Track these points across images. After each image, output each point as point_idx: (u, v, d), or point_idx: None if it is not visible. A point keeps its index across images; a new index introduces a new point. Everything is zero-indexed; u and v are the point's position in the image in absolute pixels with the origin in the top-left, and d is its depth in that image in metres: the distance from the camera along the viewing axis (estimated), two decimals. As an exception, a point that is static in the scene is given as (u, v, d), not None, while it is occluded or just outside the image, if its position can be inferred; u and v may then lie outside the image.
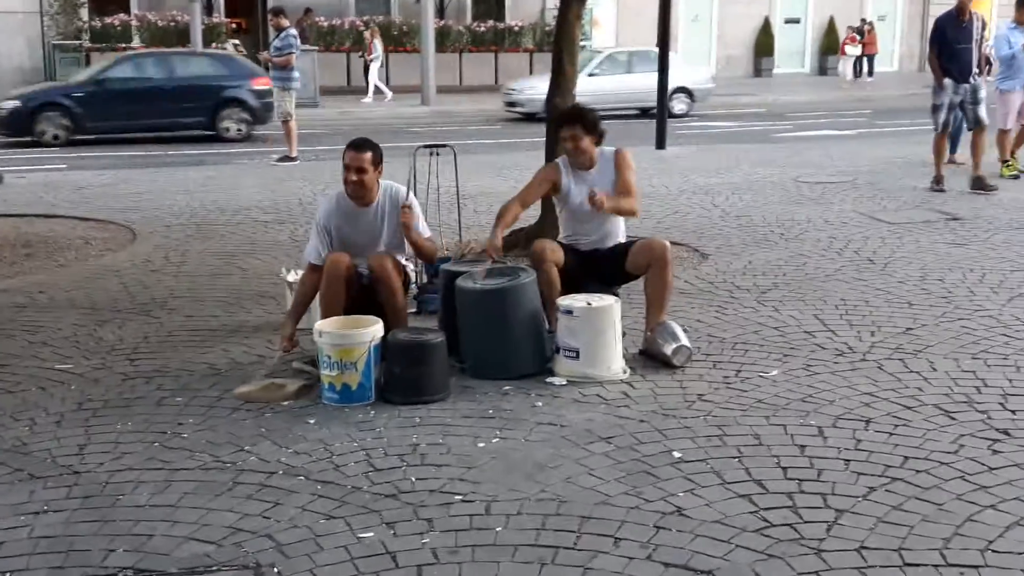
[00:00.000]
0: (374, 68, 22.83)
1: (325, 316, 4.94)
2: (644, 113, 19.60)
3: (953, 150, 11.84)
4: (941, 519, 3.49)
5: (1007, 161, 11.31)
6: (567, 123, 5.48)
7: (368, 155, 5.15)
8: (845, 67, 29.81)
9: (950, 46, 10.23)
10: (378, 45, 22.65)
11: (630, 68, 20.96)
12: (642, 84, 18.84)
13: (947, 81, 10.26)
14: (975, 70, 10.26)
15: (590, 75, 19.37)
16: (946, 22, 10.38)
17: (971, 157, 10.62)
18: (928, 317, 5.91)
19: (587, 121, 5.46)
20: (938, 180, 10.50)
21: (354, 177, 5.13)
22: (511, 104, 20.62)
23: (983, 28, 10.38)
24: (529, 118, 19.23)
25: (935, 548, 3.30)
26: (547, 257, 5.24)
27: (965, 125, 10.72)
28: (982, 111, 10.39)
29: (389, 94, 23.57)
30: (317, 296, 5.16)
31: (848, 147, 14.70)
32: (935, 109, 10.45)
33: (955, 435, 4.21)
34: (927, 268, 7.11)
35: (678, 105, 20.18)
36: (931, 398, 4.63)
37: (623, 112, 19.68)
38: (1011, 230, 8.41)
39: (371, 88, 23.48)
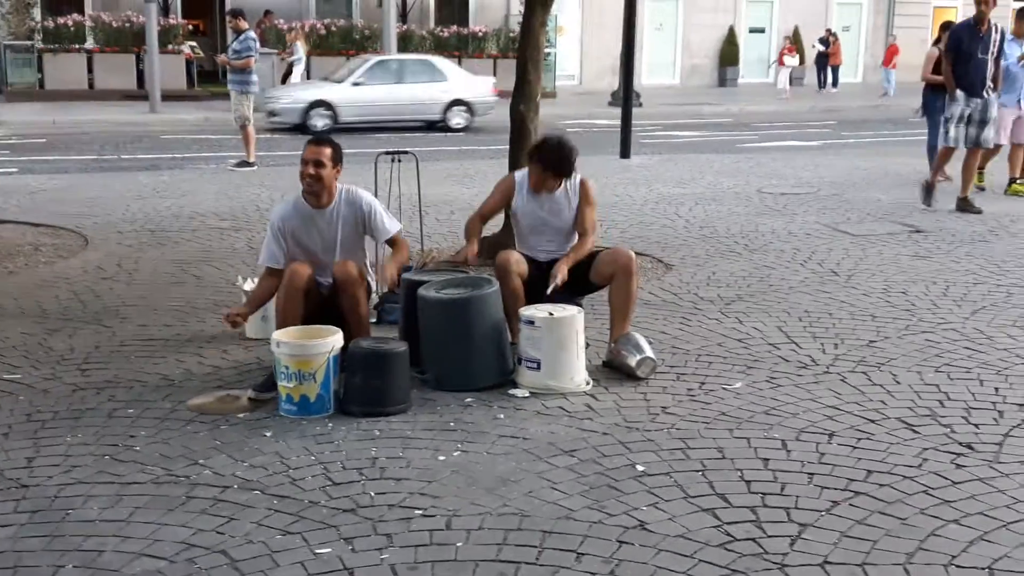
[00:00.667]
0: (297, 71, 21.83)
1: (281, 326, 4.84)
2: (431, 126, 19.04)
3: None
4: (905, 534, 3.48)
5: (1016, 179, 11.02)
6: (553, 170, 5.40)
7: (327, 150, 5.07)
8: (782, 79, 28.71)
9: (966, 57, 9.70)
10: (299, 47, 21.79)
11: (401, 78, 19.31)
12: (417, 95, 18.68)
13: (959, 93, 9.77)
14: (989, 84, 9.77)
15: (355, 84, 18.72)
16: (963, 31, 9.86)
17: (960, 176, 10.19)
18: (891, 330, 5.92)
19: (566, 170, 5.42)
20: (930, 190, 10.14)
21: (311, 171, 5.02)
22: (271, 114, 18.35)
23: (1001, 40, 9.85)
24: (294, 129, 17.79)
25: (899, 563, 3.29)
26: (511, 269, 5.20)
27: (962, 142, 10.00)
28: (987, 133, 9.88)
29: None
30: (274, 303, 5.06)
31: (813, 158, 14.80)
32: (946, 122, 9.95)
33: (919, 449, 4.20)
34: (890, 280, 7.14)
35: (455, 119, 19.08)
36: (894, 411, 4.63)
37: (398, 125, 18.86)
38: (974, 243, 8.48)
39: None
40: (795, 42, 30.77)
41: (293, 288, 4.89)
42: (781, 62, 29.42)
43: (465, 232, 5.59)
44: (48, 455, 4.12)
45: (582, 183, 5.52)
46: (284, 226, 5.13)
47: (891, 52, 28.66)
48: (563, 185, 5.48)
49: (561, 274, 5.20)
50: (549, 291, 5.17)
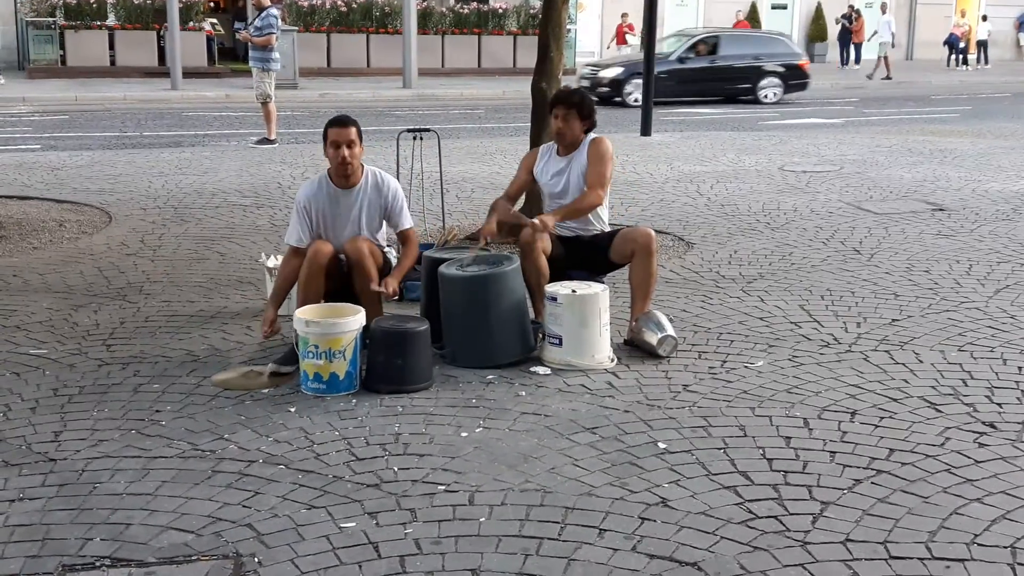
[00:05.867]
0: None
1: (302, 304, 4.86)
2: None
3: None
4: (927, 512, 3.48)
5: None
6: (563, 103, 5.44)
7: (353, 129, 5.11)
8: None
9: None
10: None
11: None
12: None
13: None
14: None
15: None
16: None
17: None
18: (914, 308, 5.90)
19: (584, 108, 5.44)
20: None
21: (345, 152, 5.06)
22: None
23: None
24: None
25: (921, 541, 3.29)
26: (535, 245, 5.19)
27: None
28: None
29: None
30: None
31: (835, 135, 14.71)
32: None
33: (941, 428, 4.19)
34: (913, 259, 7.10)
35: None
36: (917, 390, 4.61)
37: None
38: (998, 221, 8.42)
39: None
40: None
41: (316, 265, 4.92)
42: (621, 40, 26.91)
43: (489, 210, 5.59)
44: (75, 429, 4.16)
45: (592, 139, 5.47)
46: (309, 205, 5.16)
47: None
48: (585, 141, 5.46)
49: (542, 220, 5.17)
50: (524, 233, 5.19)
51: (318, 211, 5.16)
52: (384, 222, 5.30)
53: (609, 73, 20.09)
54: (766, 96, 20.61)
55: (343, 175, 5.14)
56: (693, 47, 20.63)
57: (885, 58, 26.35)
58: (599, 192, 5.33)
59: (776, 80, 20.76)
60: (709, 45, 20.76)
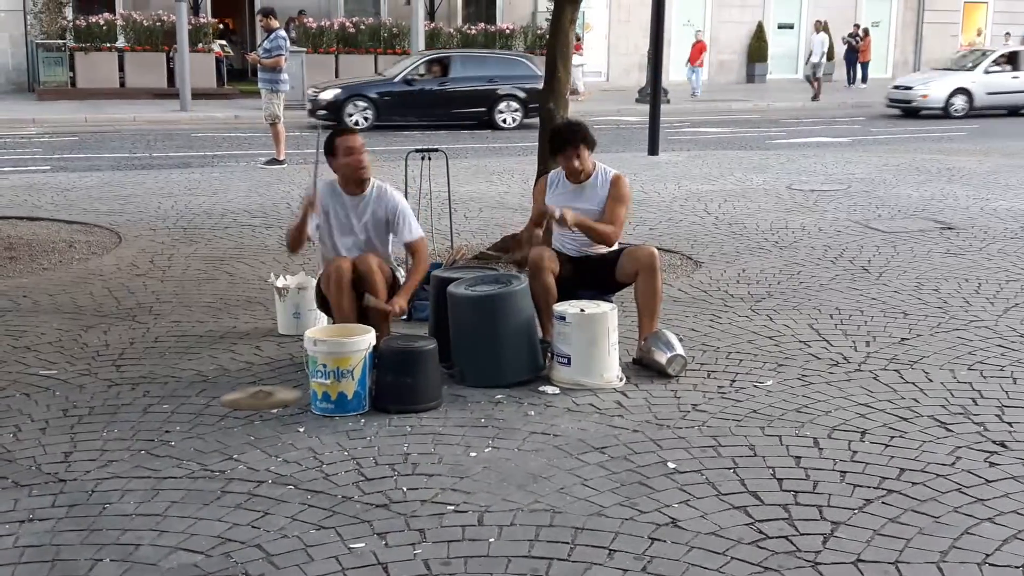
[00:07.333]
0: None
1: (339, 321, 4.96)
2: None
3: None
4: (938, 532, 3.47)
5: None
6: (572, 144, 5.43)
7: (362, 139, 5.30)
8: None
9: None
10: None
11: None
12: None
13: None
14: None
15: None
16: None
17: None
18: (924, 327, 5.89)
19: (589, 139, 5.48)
20: None
21: (364, 160, 5.23)
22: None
23: None
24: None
25: (932, 561, 3.28)
26: (544, 265, 5.20)
27: None
28: None
29: None
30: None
31: (842, 154, 14.71)
32: None
33: (952, 447, 4.18)
34: (922, 277, 7.09)
35: None
36: (927, 409, 4.60)
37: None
38: (1006, 240, 8.41)
39: None
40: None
41: (344, 282, 4.99)
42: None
43: (524, 240, 5.70)
44: (85, 450, 4.17)
45: (615, 178, 5.50)
46: (323, 195, 5.28)
47: (698, 50, 26.49)
48: (595, 171, 5.48)
49: (565, 211, 5.23)
50: (548, 218, 5.32)
51: (328, 208, 5.27)
52: (391, 235, 5.34)
53: (327, 95, 18.43)
54: (504, 121, 18.92)
55: (360, 179, 5.23)
56: (423, 67, 19.28)
57: (817, 78, 25.50)
58: (617, 231, 5.45)
59: (515, 104, 19.03)
60: (443, 66, 19.34)
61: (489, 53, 21.50)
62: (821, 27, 26.42)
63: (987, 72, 21.76)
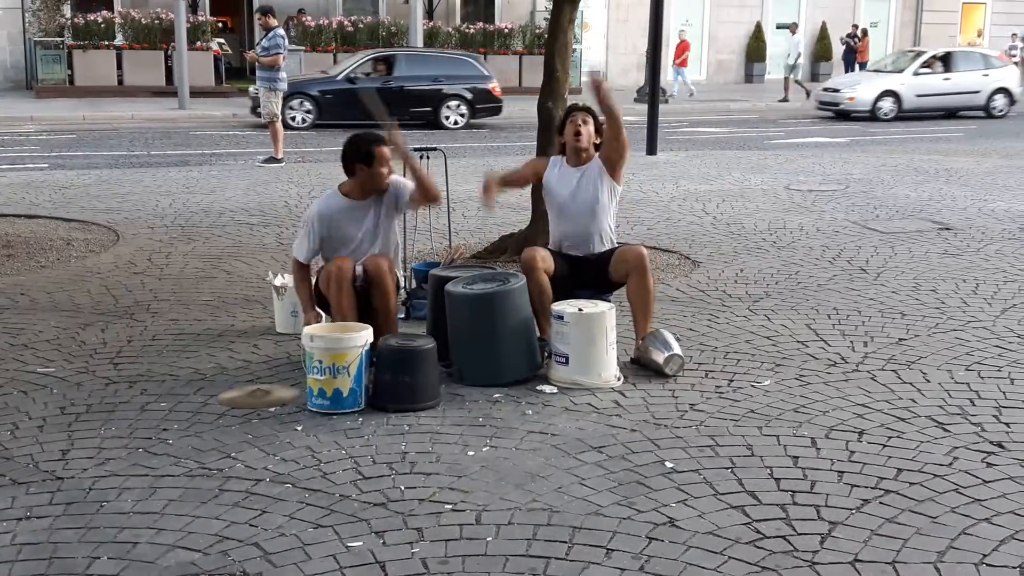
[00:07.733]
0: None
1: (339, 320, 4.96)
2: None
3: None
4: (935, 532, 3.48)
5: None
6: (581, 110, 5.52)
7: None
8: None
9: None
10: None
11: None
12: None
13: None
14: None
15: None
16: None
17: None
18: (921, 328, 5.90)
19: (597, 119, 5.51)
20: None
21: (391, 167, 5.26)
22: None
23: None
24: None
25: (929, 561, 3.29)
26: (537, 265, 5.21)
27: None
28: None
29: None
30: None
31: (840, 154, 14.73)
32: None
33: (949, 447, 4.19)
34: (920, 278, 7.10)
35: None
36: (925, 410, 4.61)
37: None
38: (1004, 240, 8.42)
39: None
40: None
41: (345, 282, 4.99)
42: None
43: (484, 185, 5.59)
44: (82, 448, 4.17)
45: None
46: (320, 222, 5.22)
47: (681, 49, 25.98)
48: (592, 160, 5.48)
49: (605, 83, 5.28)
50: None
51: (332, 224, 5.22)
52: (398, 212, 5.40)
53: None
54: (450, 120, 18.77)
55: (383, 190, 5.25)
56: (368, 66, 19.01)
57: (792, 79, 25.30)
58: (626, 138, 5.45)
59: (460, 104, 18.89)
60: (388, 64, 19.08)
61: (436, 53, 21.13)
62: (796, 29, 26.51)
63: (916, 74, 21.25)
